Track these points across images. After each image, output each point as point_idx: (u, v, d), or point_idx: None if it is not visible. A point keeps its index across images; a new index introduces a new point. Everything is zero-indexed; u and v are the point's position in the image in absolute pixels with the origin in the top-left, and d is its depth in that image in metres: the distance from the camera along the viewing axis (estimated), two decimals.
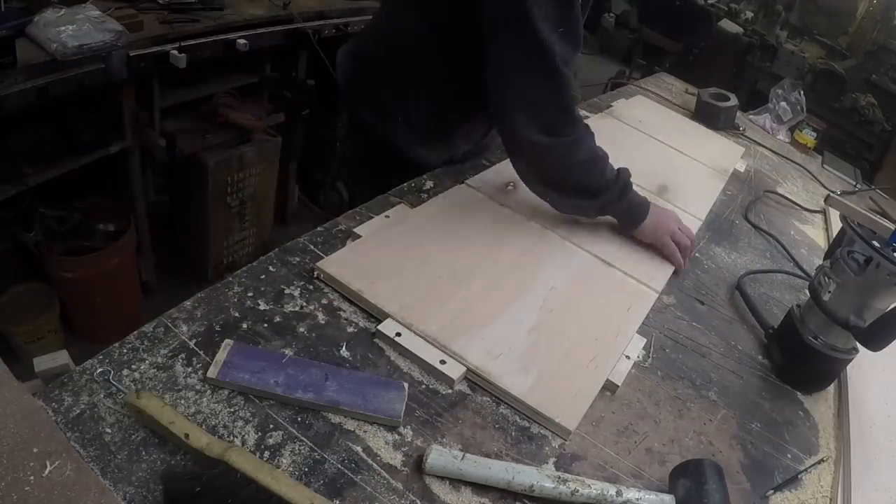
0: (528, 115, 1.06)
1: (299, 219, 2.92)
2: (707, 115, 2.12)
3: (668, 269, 1.21)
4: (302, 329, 0.87)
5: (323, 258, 0.99)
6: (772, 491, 0.86)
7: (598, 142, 1.17)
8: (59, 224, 1.96)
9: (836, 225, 1.69)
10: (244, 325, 0.85)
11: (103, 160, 1.91)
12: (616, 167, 1.19)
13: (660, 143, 1.78)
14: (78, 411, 0.68)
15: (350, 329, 0.90)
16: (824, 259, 1.31)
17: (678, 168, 1.69)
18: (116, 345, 0.77)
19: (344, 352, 0.86)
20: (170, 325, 0.81)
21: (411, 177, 1.26)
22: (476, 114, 1.29)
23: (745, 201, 1.68)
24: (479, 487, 0.74)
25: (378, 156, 1.33)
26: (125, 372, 0.74)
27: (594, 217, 1.24)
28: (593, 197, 1.17)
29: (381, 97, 1.26)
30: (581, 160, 1.13)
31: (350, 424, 0.76)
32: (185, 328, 0.82)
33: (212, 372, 0.75)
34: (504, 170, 1.35)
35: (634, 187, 1.21)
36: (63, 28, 1.61)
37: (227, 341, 0.80)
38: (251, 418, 0.73)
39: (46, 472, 0.58)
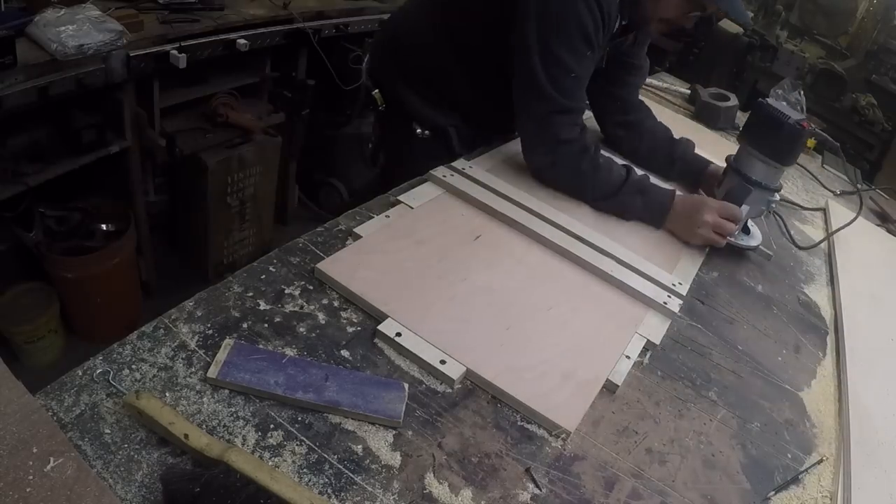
0: (526, 141, 1.34)
1: (299, 219, 2.92)
2: (707, 115, 2.12)
3: (671, 271, 1.21)
4: (302, 329, 0.87)
5: (323, 258, 0.99)
6: (773, 492, 0.86)
7: None
8: (59, 224, 1.96)
9: (837, 225, 1.69)
10: (244, 325, 0.85)
11: (103, 160, 1.91)
12: (627, 169, 1.33)
13: None
14: (78, 411, 0.68)
15: (350, 329, 0.90)
16: None
17: None
18: (116, 345, 0.77)
19: (344, 352, 0.86)
20: (170, 325, 0.81)
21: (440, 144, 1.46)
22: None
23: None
24: (479, 489, 0.74)
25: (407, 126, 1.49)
26: (125, 372, 0.74)
27: (628, 219, 1.33)
28: (609, 198, 1.31)
29: (410, 74, 1.46)
30: (582, 170, 1.30)
31: (350, 424, 0.76)
32: (185, 328, 0.82)
33: (212, 372, 0.75)
34: (505, 170, 1.36)
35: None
36: (63, 28, 1.61)
37: (227, 341, 0.80)
38: (251, 418, 0.73)
39: (46, 471, 0.58)
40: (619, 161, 1.37)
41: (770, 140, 1.25)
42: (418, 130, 1.47)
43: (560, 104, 1.24)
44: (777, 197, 1.34)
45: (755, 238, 1.39)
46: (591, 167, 1.30)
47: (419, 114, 1.46)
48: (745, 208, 1.31)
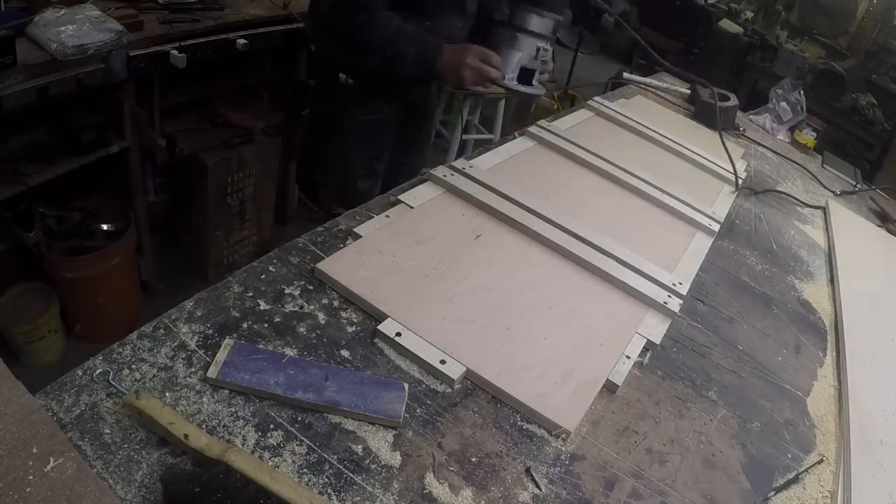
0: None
1: (299, 219, 2.92)
2: (707, 115, 2.12)
3: (671, 271, 1.21)
4: (302, 329, 0.87)
5: (323, 258, 0.99)
6: (773, 492, 0.86)
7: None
8: (59, 224, 1.96)
9: (837, 224, 1.69)
10: (244, 325, 0.85)
11: (103, 160, 1.91)
12: (404, 23, 1.42)
13: (660, 144, 1.78)
14: (78, 411, 0.68)
15: (350, 329, 0.90)
16: None
17: (681, 168, 1.69)
18: (116, 345, 0.77)
19: (344, 352, 0.86)
20: (170, 325, 0.81)
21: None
22: None
23: (745, 201, 1.68)
24: (479, 489, 0.74)
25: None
26: (125, 372, 0.74)
27: (404, 71, 1.44)
28: (384, 49, 1.41)
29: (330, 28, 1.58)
30: (359, 22, 1.39)
31: (350, 424, 0.76)
32: (185, 328, 0.82)
33: (212, 372, 0.75)
34: (507, 168, 1.36)
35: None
36: (63, 28, 1.61)
37: (227, 341, 0.80)
38: (251, 418, 0.73)
39: (46, 471, 0.58)
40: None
41: None
42: (343, 78, 1.60)
43: None
44: (547, 45, 1.50)
45: (537, 89, 1.55)
46: (368, 20, 1.39)
47: (342, 63, 1.59)
48: (518, 54, 1.47)
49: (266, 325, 0.86)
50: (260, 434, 0.72)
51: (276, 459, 0.70)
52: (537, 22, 1.46)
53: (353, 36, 1.43)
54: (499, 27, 1.49)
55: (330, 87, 1.63)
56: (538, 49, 1.48)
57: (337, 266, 0.97)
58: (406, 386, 0.81)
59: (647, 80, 2.38)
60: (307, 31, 1.90)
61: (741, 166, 1.86)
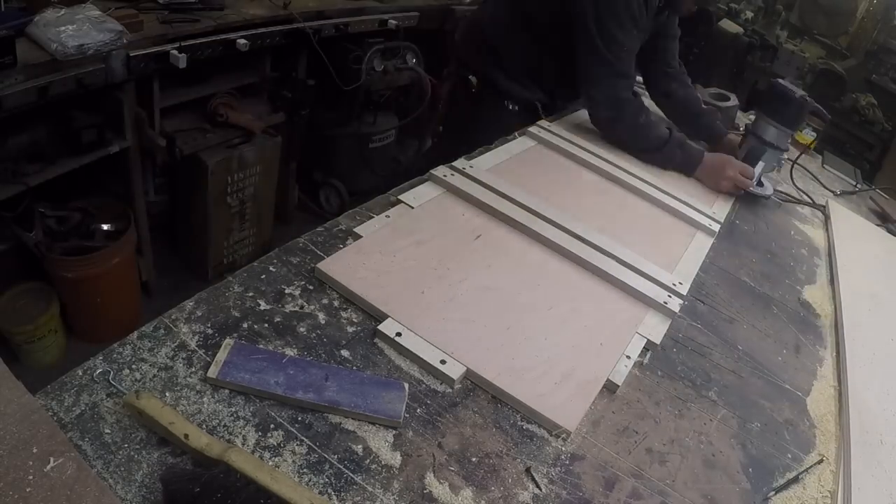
0: (593, 101, 1.62)
1: (299, 219, 2.92)
2: None
3: (671, 271, 1.21)
4: (302, 329, 0.87)
5: (323, 258, 0.99)
6: (773, 492, 0.86)
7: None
8: (59, 224, 1.96)
9: (837, 223, 1.69)
10: (244, 325, 0.85)
11: (103, 160, 1.91)
12: (669, 127, 1.65)
13: None
14: (78, 411, 0.68)
15: (350, 329, 0.90)
16: None
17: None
18: (116, 345, 0.77)
19: (344, 352, 0.86)
20: (170, 325, 0.81)
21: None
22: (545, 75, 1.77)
23: (745, 201, 1.68)
24: (480, 489, 0.74)
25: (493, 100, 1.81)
26: (125, 372, 0.74)
27: (668, 168, 1.64)
28: (655, 151, 1.62)
29: (498, 58, 1.76)
30: (640, 124, 1.60)
31: (350, 424, 0.76)
32: (185, 328, 0.82)
33: (212, 372, 0.75)
34: (504, 169, 1.36)
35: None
36: (63, 28, 1.61)
37: (228, 341, 0.80)
38: (251, 418, 0.73)
39: (46, 471, 0.58)
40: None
41: (781, 110, 1.63)
42: (510, 106, 1.78)
43: (618, 69, 1.53)
44: (785, 155, 1.74)
45: (767, 189, 1.73)
46: (647, 123, 1.60)
47: (509, 92, 1.76)
48: (760, 164, 1.66)
49: (266, 325, 0.86)
50: (260, 434, 0.72)
51: (276, 459, 0.70)
52: (774, 133, 1.65)
53: (635, 134, 1.61)
54: (752, 141, 1.68)
55: (495, 113, 1.79)
56: (779, 160, 1.73)
57: (337, 266, 0.97)
58: (406, 386, 0.81)
59: None
60: (457, 58, 1.95)
61: None
